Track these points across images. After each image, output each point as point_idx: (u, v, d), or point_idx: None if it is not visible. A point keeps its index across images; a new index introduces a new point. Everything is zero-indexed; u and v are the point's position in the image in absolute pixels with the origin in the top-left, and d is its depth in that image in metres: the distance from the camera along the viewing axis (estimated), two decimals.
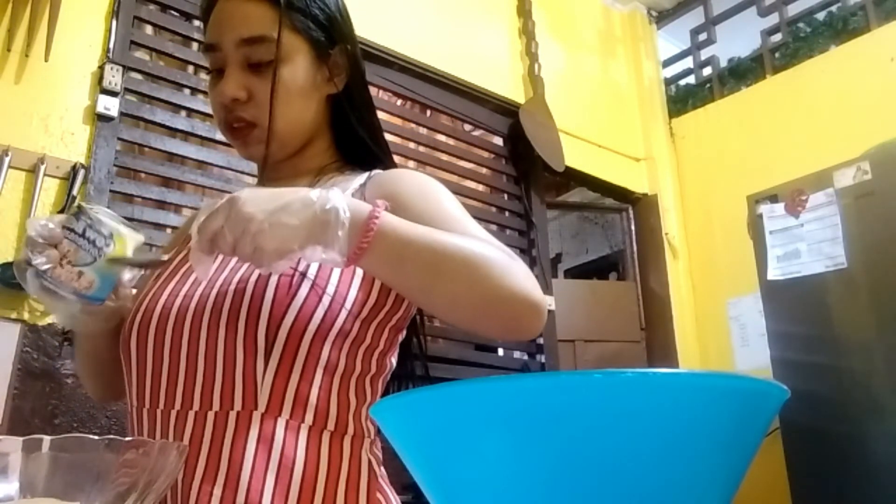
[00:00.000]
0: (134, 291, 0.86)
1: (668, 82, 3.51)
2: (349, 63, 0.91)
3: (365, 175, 0.88)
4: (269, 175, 0.90)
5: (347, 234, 0.66)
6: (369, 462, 0.80)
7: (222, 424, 0.73)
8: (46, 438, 0.48)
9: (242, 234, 0.65)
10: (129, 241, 0.73)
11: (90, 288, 0.71)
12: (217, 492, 0.71)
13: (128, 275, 0.80)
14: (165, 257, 0.84)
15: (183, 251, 0.86)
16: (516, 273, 0.72)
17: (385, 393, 0.86)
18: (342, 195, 0.68)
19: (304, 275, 0.76)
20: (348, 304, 0.77)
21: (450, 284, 0.70)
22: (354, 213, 0.67)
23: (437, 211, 0.79)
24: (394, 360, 0.87)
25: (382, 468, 0.83)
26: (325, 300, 0.76)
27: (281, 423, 0.74)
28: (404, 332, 0.87)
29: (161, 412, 0.77)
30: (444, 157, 2.62)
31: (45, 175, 1.64)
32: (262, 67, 0.84)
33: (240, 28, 0.84)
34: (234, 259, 0.80)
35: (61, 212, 1.64)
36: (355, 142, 0.93)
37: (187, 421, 0.74)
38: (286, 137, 0.87)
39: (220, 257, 0.83)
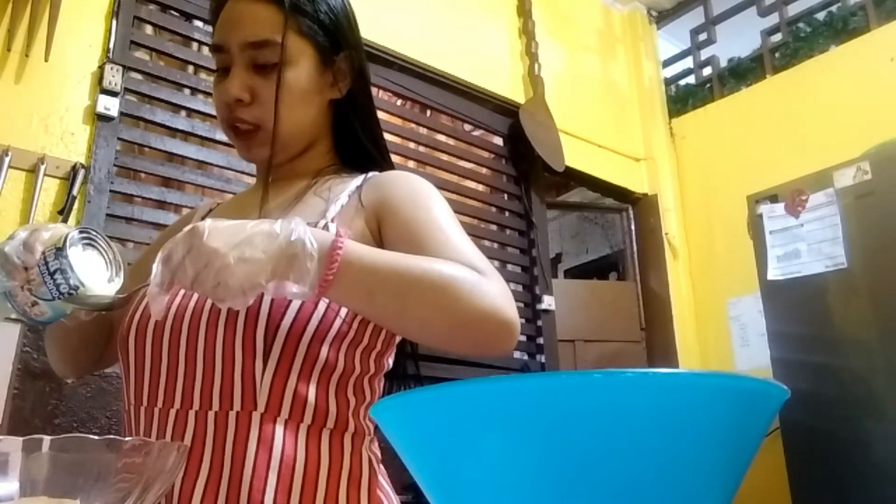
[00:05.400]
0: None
1: (668, 82, 3.51)
2: (353, 70, 0.91)
3: (361, 177, 0.89)
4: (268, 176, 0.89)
5: (317, 265, 0.65)
6: (370, 459, 0.80)
7: (223, 424, 0.73)
8: (46, 438, 0.48)
9: (205, 269, 0.63)
10: (96, 291, 0.72)
11: (41, 316, 0.73)
12: (222, 492, 0.71)
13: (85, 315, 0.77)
14: (123, 296, 0.76)
15: None
16: (486, 292, 0.70)
17: (384, 393, 0.87)
18: (304, 225, 0.66)
19: None
20: (343, 309, 0.77)
21: (418, 310, 0.69)
22: (319, 243, 0.66)
23: (425, 219, 0.79)
24: (391, 361, 0.87)
25: (382, 466, 0.83)
26: (322, 304, 0.76)
27: (280, 423, 0.74)
28: None
29: (159, 411, 0.76)
30: (444, 157, 2.62)
31: (45, 175, 1.64)
32: (266, 69, 0.84)
33: (247, 30, 0.84)
34: None
35: (62, 212, 1.64)
36: (355, 146, 0.93)
37: (188, 420, 0.74)
38: (288, 140, 0.87)
39: None
